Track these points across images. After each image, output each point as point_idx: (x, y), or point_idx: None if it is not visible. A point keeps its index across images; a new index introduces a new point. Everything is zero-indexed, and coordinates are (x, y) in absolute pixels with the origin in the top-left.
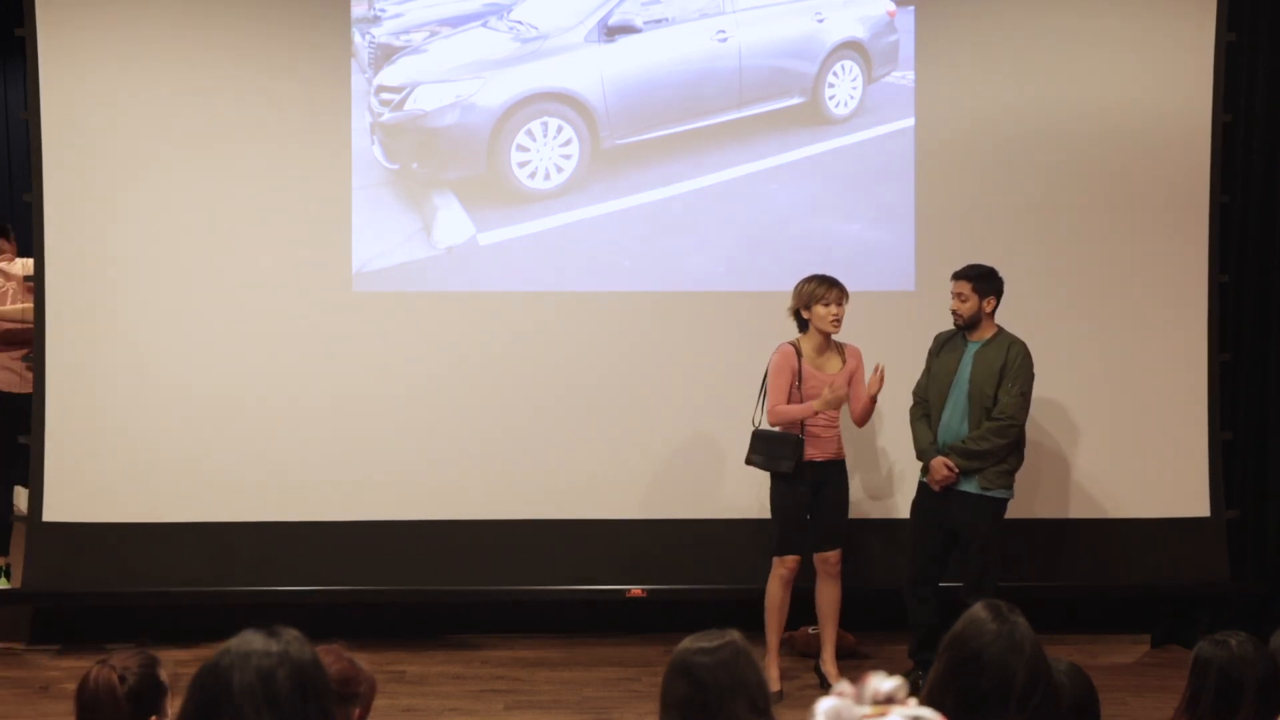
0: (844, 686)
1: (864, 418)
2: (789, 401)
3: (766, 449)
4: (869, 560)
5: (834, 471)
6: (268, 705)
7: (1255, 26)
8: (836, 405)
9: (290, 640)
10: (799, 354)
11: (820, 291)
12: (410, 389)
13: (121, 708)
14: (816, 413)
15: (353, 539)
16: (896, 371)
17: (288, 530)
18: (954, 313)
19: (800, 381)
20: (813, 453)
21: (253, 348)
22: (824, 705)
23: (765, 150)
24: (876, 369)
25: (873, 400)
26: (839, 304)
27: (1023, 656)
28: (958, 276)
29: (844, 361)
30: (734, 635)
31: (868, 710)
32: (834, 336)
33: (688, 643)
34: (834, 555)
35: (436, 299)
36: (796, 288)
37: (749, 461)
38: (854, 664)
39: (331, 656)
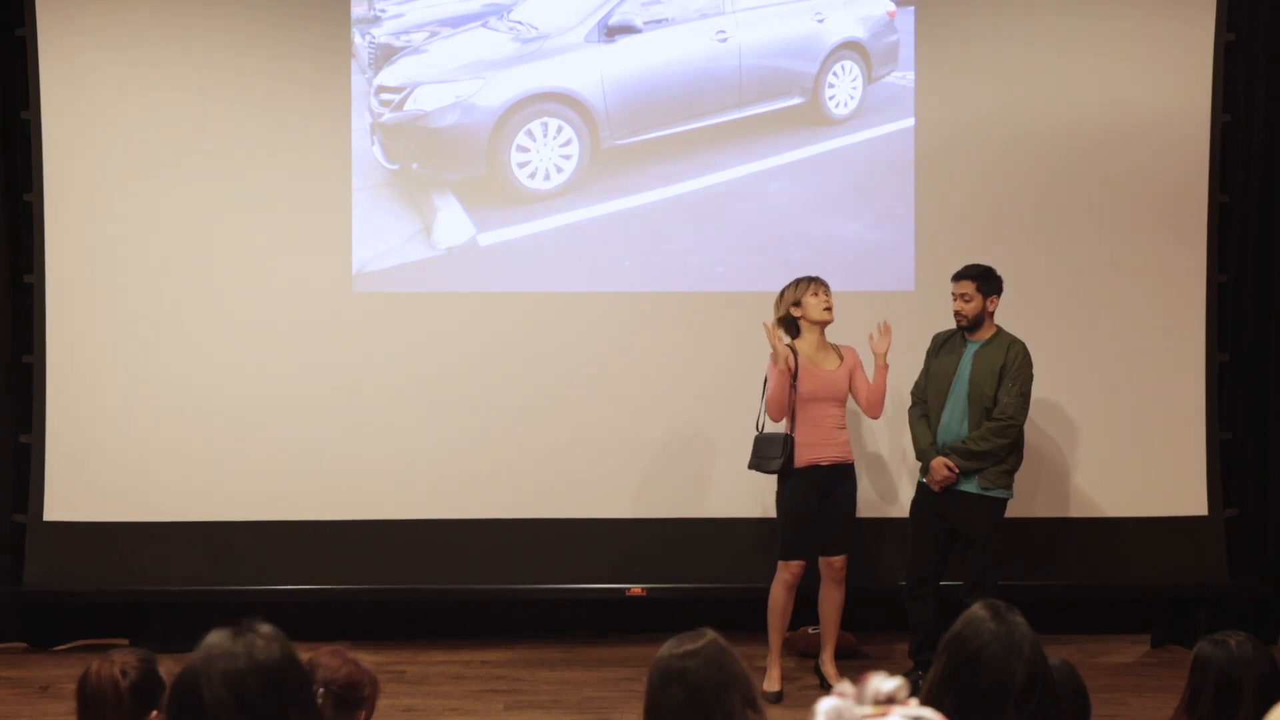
0: (845, 687)
1: (877, 403)
2: (787, 400)
3: (759, 450)
4: (869, 560)
5: (842, 475)
6: (242, 712)
7: (1255, 26)
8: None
9: (257, 640)
10: (795, 353)
11: (803, 285)
12: (411, 389)
13: (124, 702)
14: (783, 366)
15: (353, 538)
16: (896, 372)
17: (288, 529)
18: (957, 313)
19: (796, 379)
20: (819, 456)
21: (253, 348)
22: (825, 705)
23: (765, 150)
24: (881, 326)
25: (883, 371)
26: (826, 293)
27: (1021, 656)
28: (960, 277)
29: (840, 359)
30: (711, 633)
31: (869, 710)
32: (829, 340)
33: (669, 648)
34: (839, 561)
35: (437, 299)
36: (777, 297)
37: (750, 466)
38: (854, 664)
39: (338, 660)
